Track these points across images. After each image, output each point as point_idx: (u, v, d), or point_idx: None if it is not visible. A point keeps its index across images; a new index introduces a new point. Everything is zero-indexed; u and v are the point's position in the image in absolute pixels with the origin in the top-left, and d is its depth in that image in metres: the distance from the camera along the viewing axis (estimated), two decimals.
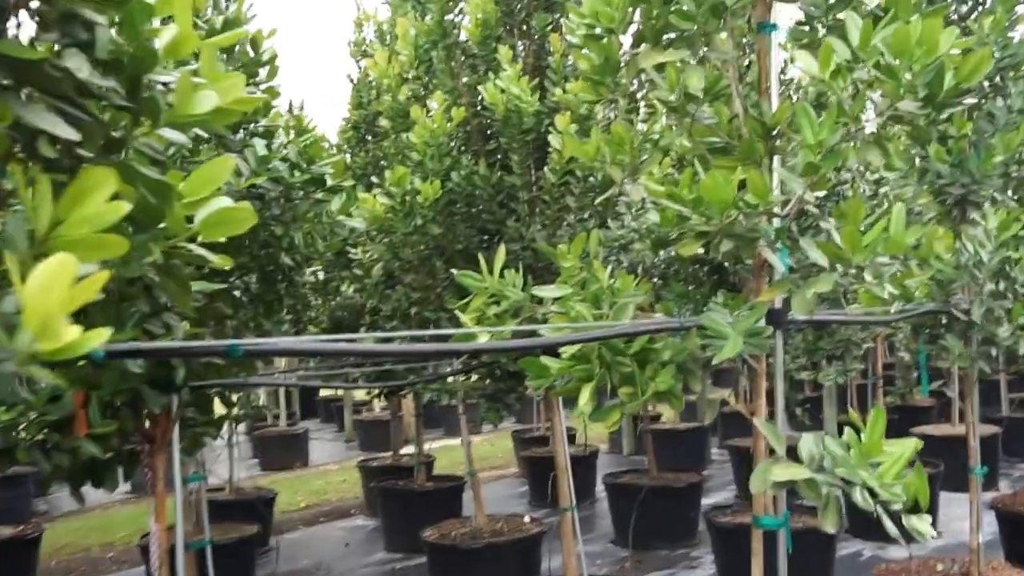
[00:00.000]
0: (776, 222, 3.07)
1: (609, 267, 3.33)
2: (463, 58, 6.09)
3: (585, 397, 2.83)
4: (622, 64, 3.38)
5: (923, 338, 5.81)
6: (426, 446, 12.29)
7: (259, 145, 3.82)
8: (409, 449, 9.90)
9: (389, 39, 7.37)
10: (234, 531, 7.54)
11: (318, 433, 17.38)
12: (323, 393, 19.49)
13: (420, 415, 9.13)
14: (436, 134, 5.43)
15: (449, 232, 5.53)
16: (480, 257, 3.43)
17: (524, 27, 6.09)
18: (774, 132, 3.26)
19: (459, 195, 5.51)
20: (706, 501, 8.48)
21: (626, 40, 3.49)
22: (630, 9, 3.26)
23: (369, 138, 8.01)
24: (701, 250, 5.01)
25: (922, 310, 4.45)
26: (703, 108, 3.35)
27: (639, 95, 5.02)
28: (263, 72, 4.18)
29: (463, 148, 5.87)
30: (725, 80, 3.21)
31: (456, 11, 6.04)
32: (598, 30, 3.29)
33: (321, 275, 6.01)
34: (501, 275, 3.35)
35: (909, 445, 2.52)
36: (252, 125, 4.06)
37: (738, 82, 3.37)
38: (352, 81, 8.64)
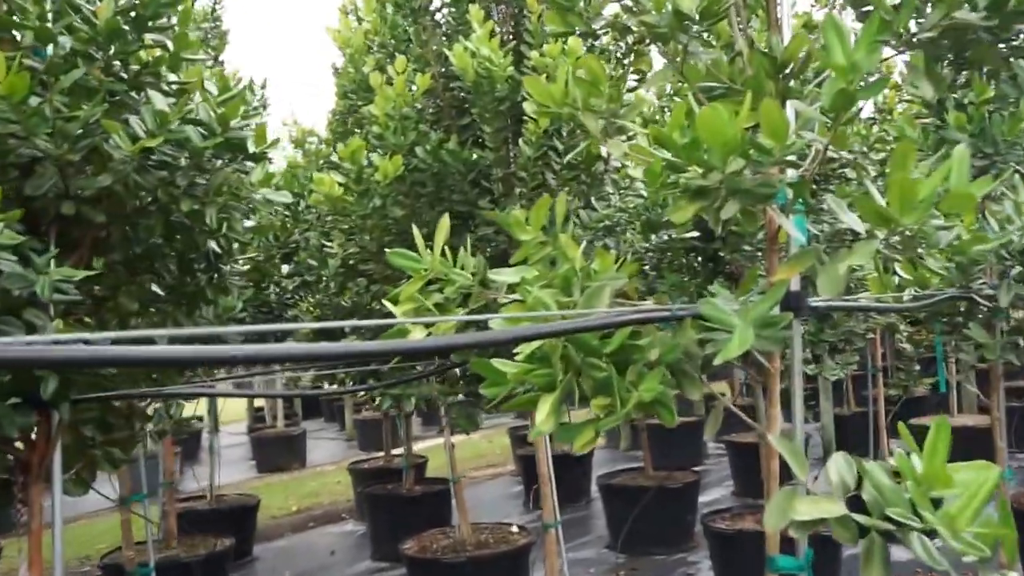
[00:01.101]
0: (790, 174, 2.36)
1: (583, 243, 2.62)
2: (432, 23, 5.39)
3: (544, 412, 2.12)
4: None
5: (939, 327, 5.07)
6: (423, 444, 11.61)
7: (158, 101, 3.11)
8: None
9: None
10: (204, 545, 6.92)
11: (320, 433, 17.04)
12: None
13: (410, 414, 8.48)
14: (398, 104, 4.73)
15: (414, 215, 4.83)
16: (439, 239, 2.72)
17: None
18: (787, 71, 2.56)
19: (425, 173, 4.80)
20: (703, 498, 8.22)
21: None
22: None
23: (357, 130, 7.32)
24: (694, 233, 4.15)
25: (943, 296, 3.75)
26: (698, 43, 2.65)
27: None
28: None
29: (434, 124, 5.16)
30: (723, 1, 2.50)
31: None
32: None
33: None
34: (445, 254, 2.65)
35: (988, 474, 1.81)
36: (156, 78, 3.36)
37: (743, 8, 2.67)
38: (336, 70, 7.94)
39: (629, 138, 2.76)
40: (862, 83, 2.06)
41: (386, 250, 5.17)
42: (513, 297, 2.66)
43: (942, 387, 7.92)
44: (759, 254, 5.74)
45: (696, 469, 8.63)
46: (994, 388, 4.42)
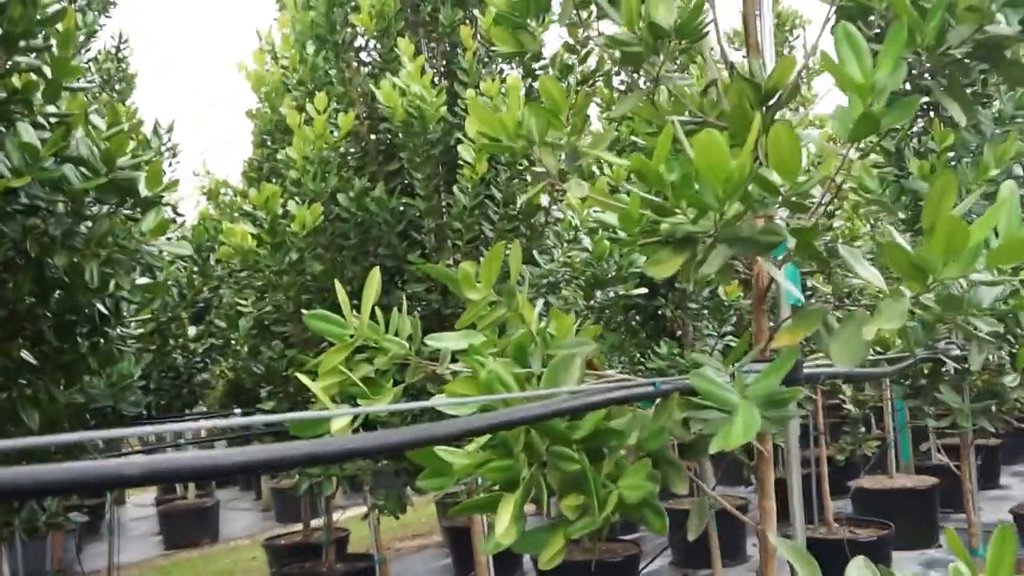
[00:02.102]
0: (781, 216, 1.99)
1: (538, 304, 2.18)
2: (356, 61, 4.97)
3: (506, 520, 1.65)
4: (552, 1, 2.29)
5: (901, 391, 4.77)
6: (345, 515, 10.89)
7: (26, 133, 2.60)
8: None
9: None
10: None
11: (235, 503, 15.94)
12: None
13: (332, 495, 7.82)
14: (317, 146, 4.27)
15: (335, 270, 4.34)
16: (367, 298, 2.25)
17: (430, 24, 5.01)
18: (772, 99, 2.20)
19: (348, 223, 4.33)
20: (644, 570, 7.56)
21: None
22: None
23: (273, 178, 6.80)
24: (642, 290, 3.71)
25: (913, 359, 3.43)
26: (672, 66, 2.28)
27: (582, 51, 3.91)
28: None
29: (358, 170, 4.71)
30: (706, 16, 2.14)
31: (348, 2, 4.92)
32: None
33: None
34: (374, 316, 2.18)
35: None
36: (29, 110, 2.84)
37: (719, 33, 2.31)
38: (251, 113, 7.45)
39: (591, 177, 2.37)
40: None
41: (304, 311, 4.69)
42: (457, 368, 2.21)
43: (906, 456, 7.70)
44: (705, 312, 5.40)
45: (632, 538, 8.15)
46: (964, 456, 4.11)
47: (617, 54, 2.18)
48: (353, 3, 4.86)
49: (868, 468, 8.80)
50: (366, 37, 4.87)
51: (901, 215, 4.16)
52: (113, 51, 8.27)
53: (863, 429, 7.52)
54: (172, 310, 5.59)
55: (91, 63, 8.31)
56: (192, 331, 5.93)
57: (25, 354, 3.17)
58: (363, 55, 5.08)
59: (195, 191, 10.20)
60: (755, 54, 2.30)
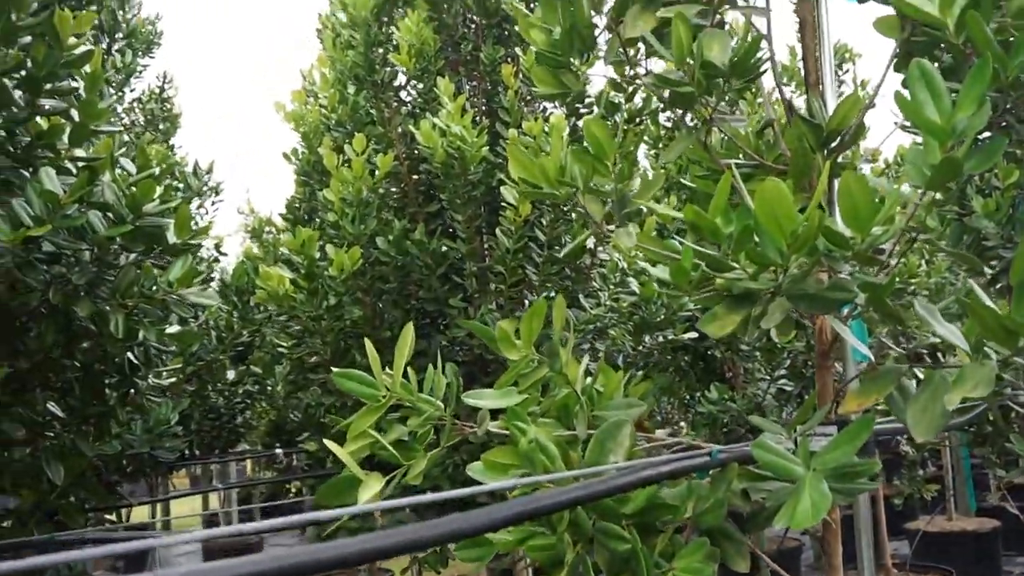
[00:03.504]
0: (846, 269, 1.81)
1: (584, 360, 2.03)
2: (396, 100, 4.89)
3: None
4: (598, 37, 2.17)
5: (966, 438, 4.48)
6: (386, 563, 10.76)
7: (49, 180, 2.52)
8: None
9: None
10: None
11: (278, 539, 15.84)
12: None
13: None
14: (356, 188, 4.18)
15: (375, 315, 4.23)
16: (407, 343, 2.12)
17: (471, 63, 4.92)
18: (835, 141, 2.05)
19: (387, 267, 4.22)
20: None
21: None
22: None
23: (316, 218, 6.76)
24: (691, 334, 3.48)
25: (984, 407, 3.20)
26: (727, 106, 2.13)
27: (626, 91, 3.76)
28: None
29: (398, 211, 4.61)
30: (762, 53, 1.99)
31: (387, 42, 4.86)
32: None
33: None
34: (408, 373, 2.04)
35: None
36: (55, 153, 2.78)
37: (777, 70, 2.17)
38: (291, 153, 7.44)
39: (641, 225, 2.22)
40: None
41: (343, 356, 4.59)
42: (497, 429, 2.06)
43: (972, 505, 7.35)
44: (756, 354, 5.19)
45: None
46: None
47: (666, 94, 2.05)
48: (392, 42, 4.80)
49: (927, 509, 8.45)
50: (406, 76, 4.80)
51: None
52: (157, 91, 8.33)
53: (921, 472, 7.21)
54: (211, 353, 5.51)
55: (135, 103, 8.38)
56: (231, 374, 5.85)
57: (52, 406, 3.09)
58: (403, 94, 5.01)
59: (239, 228, 10.23)
60: (815, 93, 2.14)
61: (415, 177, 4.71)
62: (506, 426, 1.91)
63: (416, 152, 4.51)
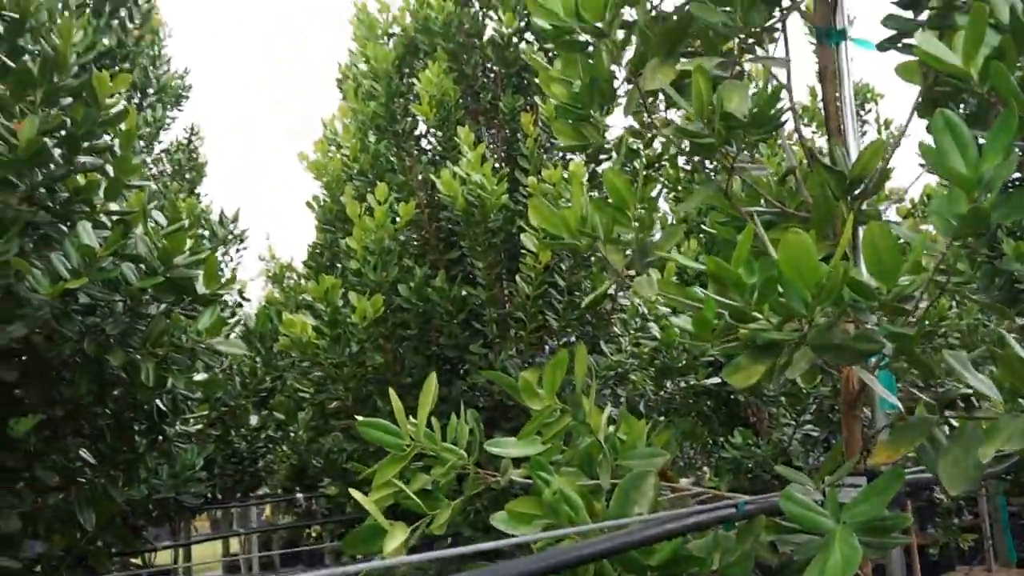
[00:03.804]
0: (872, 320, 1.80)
1: (607, 408, 2.02)
2: (417, 149, 4.96)
3: None
4: (618, 89, 2.19)
5: (1002, 486, 4.42)
6: None
7: (86, 234, 2.57)
8: None
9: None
10: None
11: None
12: None
13: None
14: (378, 236, 4.22)
15: (395, 361, 4.24)
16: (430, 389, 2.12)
17: (491, 111, 4.99)
18: (858, 188, 2.05)
19: (409, 313, 4.25)
20: None
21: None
22: (621, 4, 2.09)
23: (335, 264, 6.82)
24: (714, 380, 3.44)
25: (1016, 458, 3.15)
26: (747, 155, 2.15)
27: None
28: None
29: (419, 258, 4.65)
30: (782, 104, 2.01)
31: (408, 92, 4.94)
32: (578, 35, 2.11)
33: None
34: (431, 422, 2.05)
35: None
36: (91, 208, 2.84)
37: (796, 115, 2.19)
38: (314, 201, 7.54)
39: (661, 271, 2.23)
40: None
41: (367, 398, 4.60)
42: (520, 478, 2.05)
43: (1012, 555, 7.18)
44: (781, 398, 5.15)
45: None
46: None
47: (687, 143, 2.07)
48: (413, 93, 4.87)
49: (965, 560, 8.27)
50: (426, 126, 4.86)
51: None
52: (184, 142, 8.48)
53: (956, 521, 7.07)
54: (235, 399, 5.54)
55: (162, 154, 8.53)
56: (254, 420, 5.87)
57: (84, 453, 3.12)
58: (423, 143, 5.08)
59: (261, 273, 10.30)
60: (837, 140, 2.16)
61: (436, 224, 4.75)
62: (529, 475, 1.91)
63: (437, 200, 4.56)
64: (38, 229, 2.81)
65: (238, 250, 8.74)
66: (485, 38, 4.93)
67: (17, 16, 3.17)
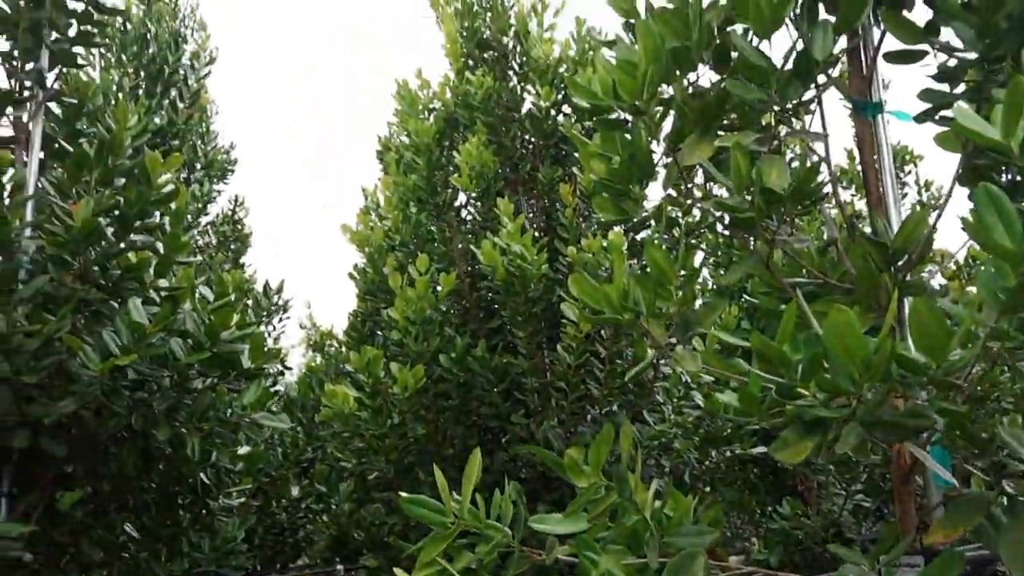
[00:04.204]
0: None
1: (653, 482, 2.00)
2: (457, 220, 5.02)
3: None
4: (656, 164, 2.22)
5: None
6: None
7: (136, 311, 2.63)
8: None
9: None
10: None
11: None
12: None
13: None
14: (419, 307, 4.26)
15: (437, 432, 4.24)
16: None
17: (529, 182, 5.05)
18: (902, 260, 2.04)
19: (450, 383, 4.26)
20: None
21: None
22: (658, 83, 2.12)
23: (377, 332, 6.88)
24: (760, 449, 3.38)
25: None
26: (787, 228, 2.15)
27: (684, 214, 3.81)
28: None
29: (459, 327, 4.68)
30: (821, 177, 2.02)
31: (448, 164, 5.03)
32: (616, 113, 2.15)
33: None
34: (475, 498, 2.04)
35: None
36: (141, 284, 2.91)
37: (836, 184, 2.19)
38: (356, 271, 7.64)
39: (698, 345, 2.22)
40: None
41: (409, 469, 4.59)
42: (565, 557, 2.03)
43: None
44: (830, 467, 5.04)
45: None
46: None
47: (726, 217, 2.07)
48: (453, 165, 4.96)
49: None
50: (467, 197, 4.93)
51: None
52: (229, 214, 8.68)
53: None
54: (276, 469, 5.55)
55: (208, 226, 8.73)
56: (295, 490, 5.87)
57: (128, 527, 3.14)
58: (463, 213, 5.14)
59: (301, 341, 10.39)
60: (877, 210, 2.15)
61: (476, 294, 4.78)
62: (575, 552, 1.88)
63: (477, 270, 4.60)
64: (90, 306, 2.88)
65: (280, 319, 8.85)
66: (523, 111, 5.01)
67: (76, 101, 3.30)
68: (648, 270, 2.12)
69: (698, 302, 2.23)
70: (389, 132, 6.81)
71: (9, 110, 3.23)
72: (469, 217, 5.10)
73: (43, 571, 2.88)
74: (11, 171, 2.89)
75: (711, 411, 4.09)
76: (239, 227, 8.98)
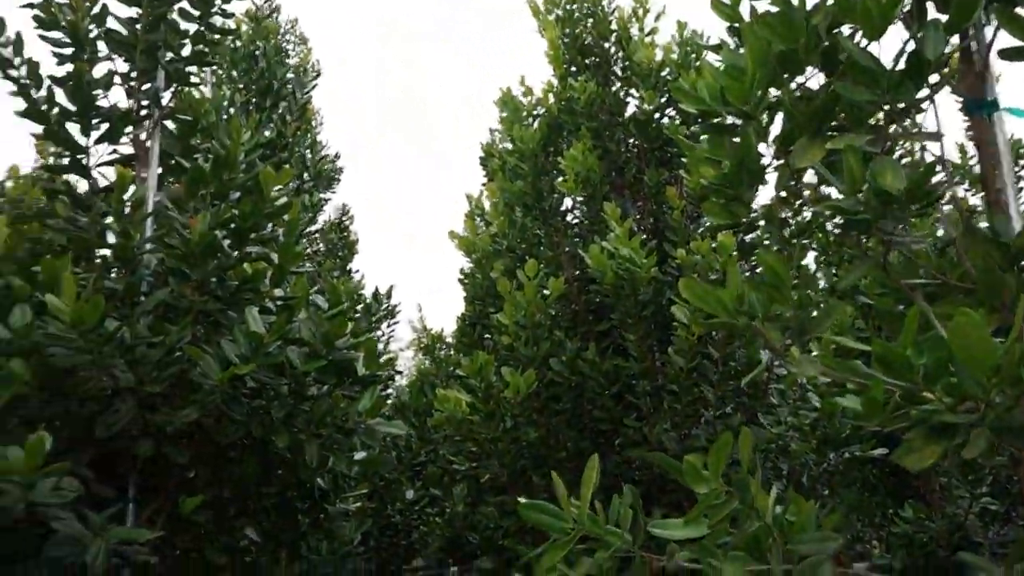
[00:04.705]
0: None
1: (773, 487, 1.99)
2: (563, 224, 5.06)
3: None
4: (767, 169, 2.20)
5: None
6: None
7: (254, 321, 2.76)
8: None
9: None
10: None
11: None
12: None
13: None
14: (529, 311, 4.31)
15: (549, 435, 4.28)
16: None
17: (635, 185, 5.05)
18: None
19: (562, 387, 4.30)
20: None
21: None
22: (766, 87, 2.11)
23: (486, 336, 6.99)
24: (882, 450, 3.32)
25: None
26: (904, 230, 2.10)
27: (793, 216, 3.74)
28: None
29: (569, 331, 4.72)
30: (937, 176, 1.97)
31: (553, 170, 5.08)
32: (724, 118, 2.15)
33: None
34: (594, 504, 2.07)
35: None
36: (257, 294, 3.04)
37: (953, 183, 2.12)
38: (464, 276, 7.77)
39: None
40: None
41: (522, 472, 4.65)
42: (684, 563, 2.03)
43: None
44: (955, 469, 4.86)
45: None
46: None
47: (839, 219, 2.05)
48: (558, 170, 5.00)
49: None
50: (572, 201, 4.97)
51: None
52: (337, 222, 8.94)
53: None
54: (391, 473, 5.70)
55: (316, 234, 9.02)
56: (410, 494, 6.01)
57: (250, 531, 3.26)
58: (569, 218, 5.18)
59: (411, 344, 10.60)
60: (996, 209, 2.09)
61: (584, 297, 4.81)
62: (694, 558, 1.89)
63: (585, 273, 4.63)
64: (209, 316, 3.02)
65: (389, 325, 9.06)
66: (627, 115, 5.02)
67: (190, 118, 3.47)
68: (756, 268, 2.11)
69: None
70: (491, 138, 6.91)
71: (128, 129, 3.40)
72: (575, 221, 5.13)
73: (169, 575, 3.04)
74: (132, 188, 3.04)
75: (828, 412, 4.00)
76: (346, 235, 9.24)
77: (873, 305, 2.48)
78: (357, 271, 9.60)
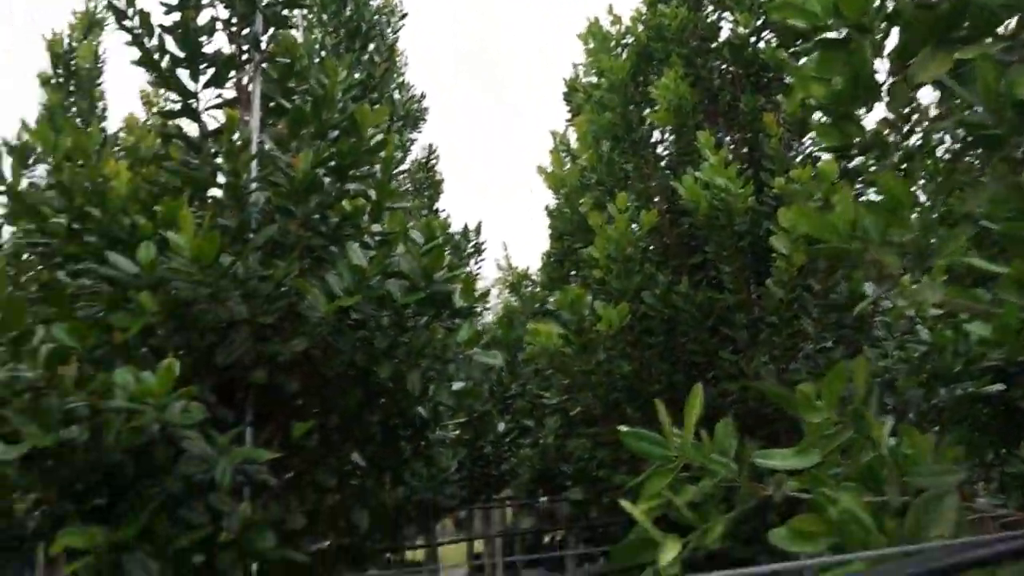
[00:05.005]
0: None
1: (886, 421, 1.92)
2: (653, 156, 4.94)
3: None
4: (882, 86, 2.08)
5: None
6: None
7: (355, 255, 2.78)
8: None
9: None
10: None
11: None
12: None
13: None
14: (620, 244, 4.24)
15: (643, 369, 4.24)
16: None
17: (730, 113, 4.88)
18: None
19: (654, 320, 4.24)
20: None
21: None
22: None
23: (573, 272, 6.96)
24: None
25: None
26: None
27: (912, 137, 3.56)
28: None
29: (660, 264, 4.64)
30: None
31: (643, 100, 4.94)
32: (837, 31, 2.03)
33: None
34: (698, 433, 2.03)
35: None
36: (357, 230, 3.07)
37: None
38: (550, 211, 7.71)
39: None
40: None
41: (615, 405, 4.63)
42: (793, 491, 1.99)
43: None
44: None
45: None
46: None
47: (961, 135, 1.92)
48: (649, 100, 4.87)
49: None
50: (663, 132, 4.84)
51: None
52: (423, 161, 8.96)
53: None
54: (483, 405, 5.77)
55: (404, 174, 9.07)
56: (501, 426, 6.08)
57: (356, 456, 3.35)
58: (659, 149, 5.05)
59: (497, 281, 10.64)
60: None
61: (676, 230, 4.71)
62: (802, 489, 1.84)
63: (677, 205, 4.53)
64: (313, 251, 3.06)
65: (476, 262, 9.09)
66: (720, 40, 4.83)
67: (288, 60, 3.49)
68: (860, 195, 2.01)
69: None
70: (574, 72, 6.76)
71: (231, 73, 3.45)
72: (666, 152, 5.01)
73: (283, 494, 3.14)
74: (237, 131, 3.09)
75: (939, 346, 3.84)
76: (432, 174, 9.26)
77: (995, 231, 2.34)
78: (444, 210, 9.64)
